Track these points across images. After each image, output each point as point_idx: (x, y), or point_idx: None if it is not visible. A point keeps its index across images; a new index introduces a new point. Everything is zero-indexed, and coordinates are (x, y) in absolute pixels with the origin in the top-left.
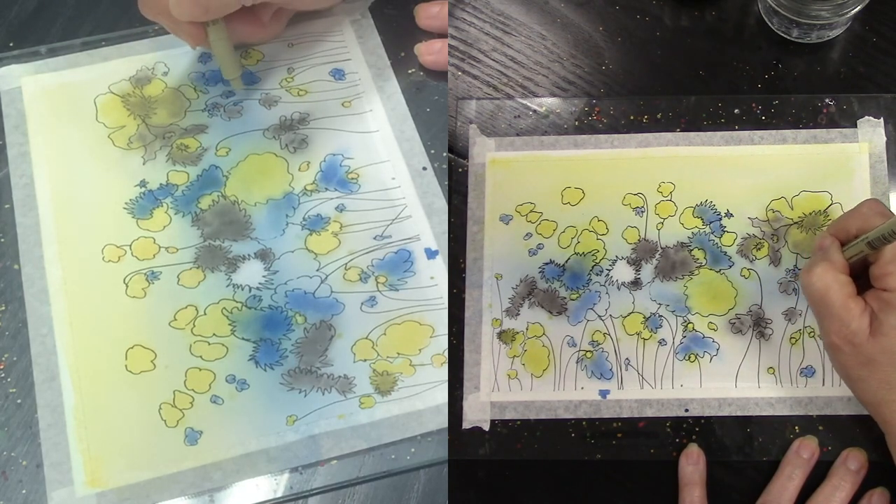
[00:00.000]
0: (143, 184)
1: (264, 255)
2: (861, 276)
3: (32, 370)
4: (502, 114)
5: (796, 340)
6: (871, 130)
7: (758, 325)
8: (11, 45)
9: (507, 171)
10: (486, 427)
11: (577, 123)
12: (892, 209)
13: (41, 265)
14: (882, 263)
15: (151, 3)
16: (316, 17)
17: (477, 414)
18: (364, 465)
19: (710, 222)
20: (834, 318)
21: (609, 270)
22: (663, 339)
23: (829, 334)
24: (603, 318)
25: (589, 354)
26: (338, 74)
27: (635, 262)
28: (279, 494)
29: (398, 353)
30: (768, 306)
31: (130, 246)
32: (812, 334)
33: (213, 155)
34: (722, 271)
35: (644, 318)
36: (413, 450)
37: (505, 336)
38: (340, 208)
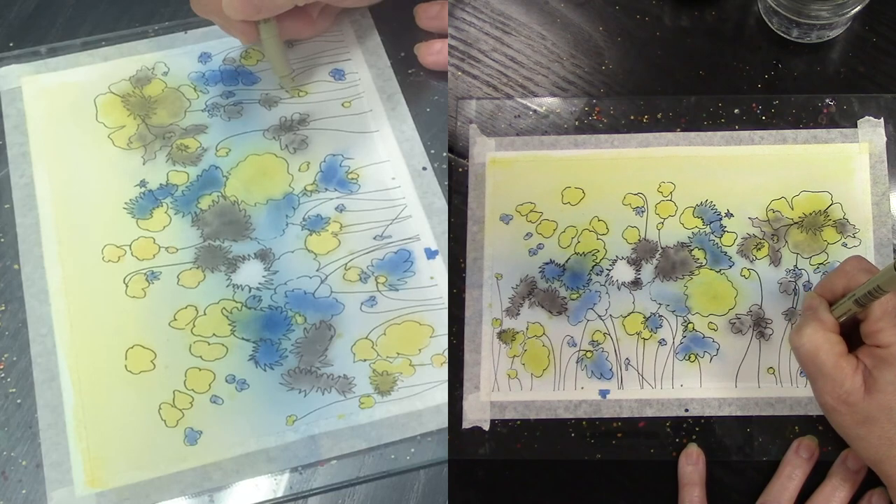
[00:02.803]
0: (143, 184)
1: (264, 256)
2: (852, 334)
3: (32, 370)
4: (502, 114)
5: None
6: (872, 130)
7: (758, 325)
8: (11, 45)
9: (508, 170)
10: (486, 427)
11: (577, 123)
12: (892, 209)
13: (41, 265)
14: (872, 320)
15: (203, 1)
16: None
17: (477, 414)
18: (364, 465)
19: (711, 222)
20: (827, 379)
21: (609, 270)
22: (663, 339)
23: (823, 395)
24: (603, 318)
25: (589, 354)
26: (338, 74)
27: (635, 262)
28: (279, 494)
29: (398, 353)
30: (768, 306)
31: (130, 246)
32: None
33: (213, 155)
34: (722, 271)
35: (644, 318)
36: (413, 450)
37: (505, 336)
38: (340, 208)
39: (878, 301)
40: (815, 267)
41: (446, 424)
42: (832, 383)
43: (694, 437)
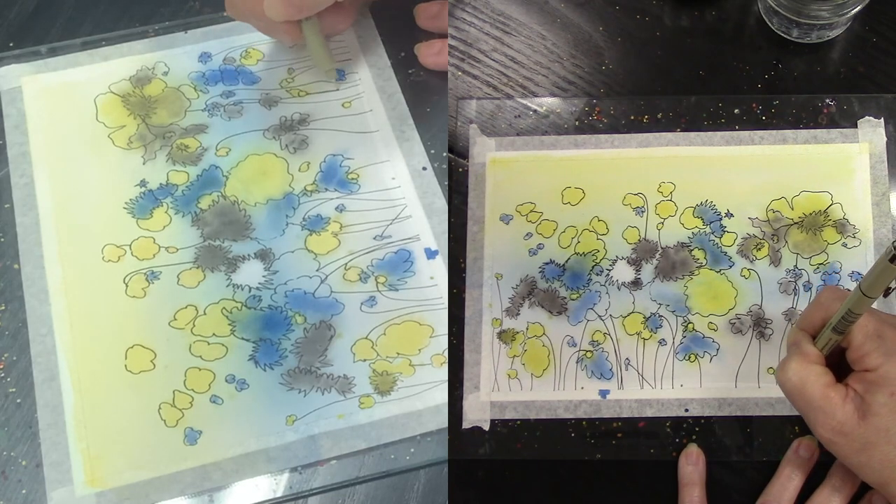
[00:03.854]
0: (143, 184)
1: (264, 255)
2: (840, 364)
3: (32, 370)
4: (502, 114)
5: None
6: (872, 130)
7: (758, 325)
8: (11, 45)
9: (508, 170)
10: (486, 427)
11: (577, 123)
12: (892, 209)
13: (41, 265)
14: (855, 346)
15: (241, 5)
16: None
17: (477, 414)
18: (364, 465)
19: (711, 222)
20: (818, 412)
21: (609, 270)
22: (663, 339)
23: (817, 428)
24: (603, 318)
25: (589, 354)
26: (338, 74)
27: (635, 262)
28: (279, 494)
29: (398, 353)
30: (768, 306)
31: (130, 246)
32: None
33: (213, 155)
34: (722, 271)
35: (644, 318)
36: (413, 450)
37: (505, 336)
38: (340, 208)
39: (857, 325)
40: (815, 267)
41: (446, 424)
42: (823, 415)
43: (694, 437)
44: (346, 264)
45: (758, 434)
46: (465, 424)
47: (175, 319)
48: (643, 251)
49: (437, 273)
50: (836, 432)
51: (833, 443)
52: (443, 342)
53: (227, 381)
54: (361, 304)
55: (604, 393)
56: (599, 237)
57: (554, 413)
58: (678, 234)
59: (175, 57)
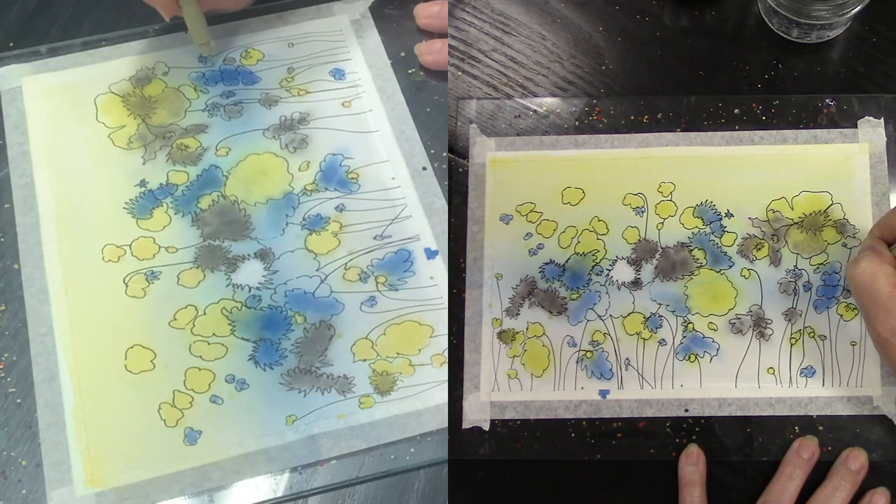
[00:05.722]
0: (143, 184)
1: (264, 255)
2: None
3: (32, 370)
4: (502, 114)
5: (796, 340)
6: (872, 131)
7: (758, 325)
8: (11, 45)
9: (508, 170)
10: (486, 427)
11: (577, 123)
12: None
13: (41, 265)
14: None
15: None
16: (316, 17)
17: (477, 414)
18: (364, 465)
19: (711, 222)
20: (881, 309)
21: (609, 270)
22: (663, 339)
23: (876, 327)
24: (603, 318)
25: (589, 354)
26: (338, 74)
27: (635, 262)
28: (279, 494)
29: (398, 353)
30: (768, 306)
31: (130, 246)
32: (812, 334)
33: (213, 155)
34: (722, 271)
35: (644, 318)
36: (413, 450)
37: (505, 336)
38: (340, 208)
39: None
40: (815, 267)
41: (446, 424)
42: (885, 313)
43: (694, 437)
44: (346, 264)
45: (758, 434)
46: (465, 424)
47: (175, 319)
48: (643, 251)
49: (437, 273)
50: (894, 333)
51: (889, 344)
52: (443, 342)
53: (226, 380)
54: (361, 303)
55: (604, 393)
56: (599, 237)
57: (554, 413)
58: (678, 234)
59: (175, 57)
